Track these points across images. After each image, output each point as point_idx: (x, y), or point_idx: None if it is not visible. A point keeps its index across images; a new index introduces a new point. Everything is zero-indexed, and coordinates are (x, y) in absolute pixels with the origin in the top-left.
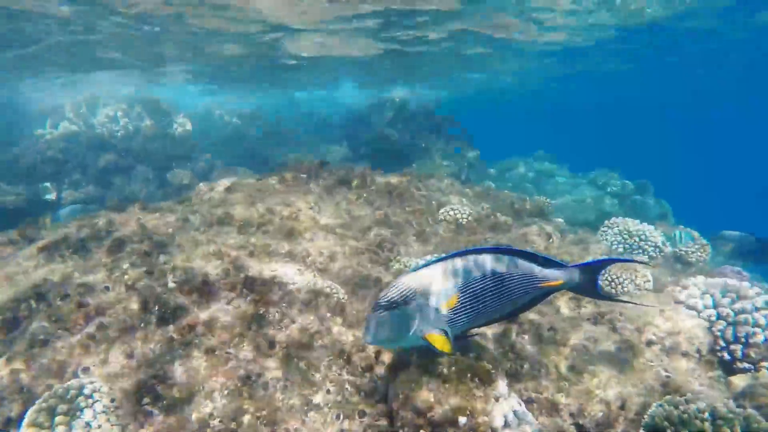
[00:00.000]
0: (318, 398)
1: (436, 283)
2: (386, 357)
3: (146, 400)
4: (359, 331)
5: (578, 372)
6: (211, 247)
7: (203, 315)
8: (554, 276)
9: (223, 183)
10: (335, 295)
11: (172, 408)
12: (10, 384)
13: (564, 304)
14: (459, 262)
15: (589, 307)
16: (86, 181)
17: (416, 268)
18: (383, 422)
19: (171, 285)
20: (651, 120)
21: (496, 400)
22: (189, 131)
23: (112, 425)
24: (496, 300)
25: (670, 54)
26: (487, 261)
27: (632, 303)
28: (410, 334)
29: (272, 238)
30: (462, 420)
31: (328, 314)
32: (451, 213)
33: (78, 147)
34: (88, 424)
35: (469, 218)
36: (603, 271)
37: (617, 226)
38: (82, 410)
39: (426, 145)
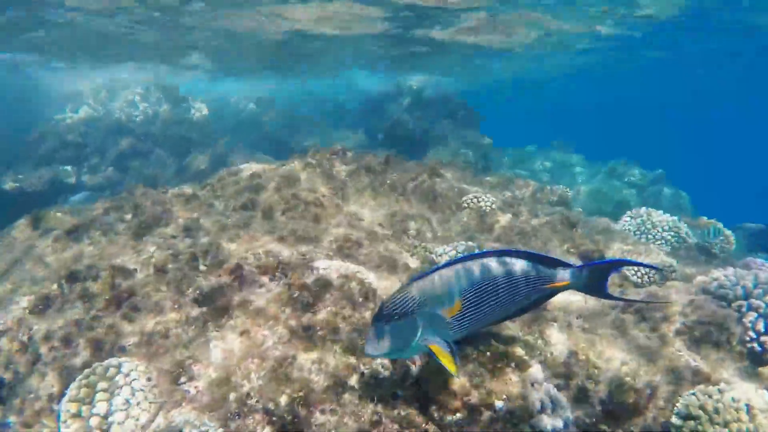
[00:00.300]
0: (353, 381)
1: (439, 290)
2: None
3: (183, 379)
4: None
5: (608, 360)
6: (239, 231)
7: (237, 298)
8: (560, 277)
9: (247, 168)
10: (366, 280)
11: (208, 387)
12: (49, 361)
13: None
14: (462, 268)
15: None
16: (105, 165)
17: (418, 276)
18: (416, 405)
19: (202, 268)
20: (670, 112)
21: (532, 385)
22: (206, 116)
23: (150, 403)
24: (500, 303)
25: (693, 46)
26: (491, 265)
27: (643, 302)
28: (413, 344)
29: (298, 223)
30: (499, 404)
31: (360, 299)
32: (475, 200)
33: (97, 131)
34: (127, 401)
35: (493, 206)
36: (613, 272)
37: (640, 217)
38: (121, 387)
39: (442, 133)
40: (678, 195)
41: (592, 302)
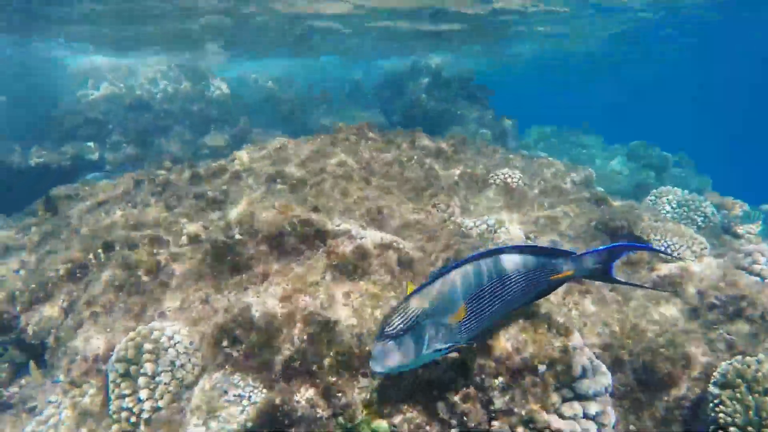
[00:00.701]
0: None
1: (441, 300)
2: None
3: (225, 343)
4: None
5: (641, 331)
6: (271, 202)
7: (276, 265)
8: (564, 267)
9: (274, 143)
10: (403, 248)
11: (251, 350)
12: (93, 324)
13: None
14: (463, 272)
15: (642, 273)
16: (126, 142)
17: (418, 289)
18: (458, 371)
19: (237, 236)
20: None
21: (574, 350)
22: (226, 94)
23: (193, 366)
24: (505, 301)
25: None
26: (493, 265)
27: (646, 287)
28: (423, 354)
29: (327, 196)
30: (541, 368)
31: (398, 267)
32: (501, 176)
33: (119, 108)
34: (172, 363)
35: (520, 182)
36: (621, 256)
37: (666, 195)
38: (166, 349)
39: (461, 113)
40: (700, 177)
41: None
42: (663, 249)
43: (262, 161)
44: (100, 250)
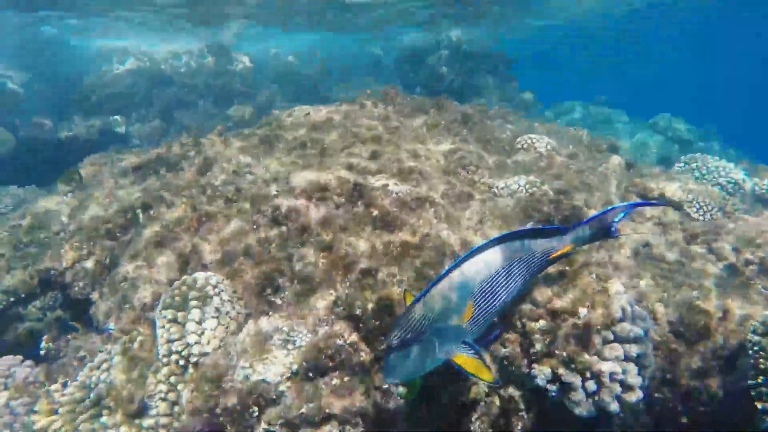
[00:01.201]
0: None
1: (446, 304)
2: None
3: (268, 291)
4: (464, 234)
5: (677, 285)
6: (304, 162)
7: (316, 217)
8: (562, 244)
9: (301, 110)
10: (438, 202)
11: (294, 298)
12: (138, 276)
13: (649, 229)
14: (464, 269)
15: (676, 232)
16: (152, 115)
17: (421, 295)
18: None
19: (274, 192)
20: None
21: (614, 295)
22: (249, 68)
23: (237, 313)
24: (511, 291)
25: None
26: (493, 257)
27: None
28: (435, 360)
29: (359, 157)
30: (582, 311)
31: (435, 220)
32: (529, 141)
33: (144, 82)
34: (217, 310)
35: (548, 147)
36: (622, 217)
37: (695, 161)
38: (211, 297)
39: (482, 87)
40: (727, 152)
41: (655, 239)
42: (660, 202)
43: (293, 126)
44: (138, 210)
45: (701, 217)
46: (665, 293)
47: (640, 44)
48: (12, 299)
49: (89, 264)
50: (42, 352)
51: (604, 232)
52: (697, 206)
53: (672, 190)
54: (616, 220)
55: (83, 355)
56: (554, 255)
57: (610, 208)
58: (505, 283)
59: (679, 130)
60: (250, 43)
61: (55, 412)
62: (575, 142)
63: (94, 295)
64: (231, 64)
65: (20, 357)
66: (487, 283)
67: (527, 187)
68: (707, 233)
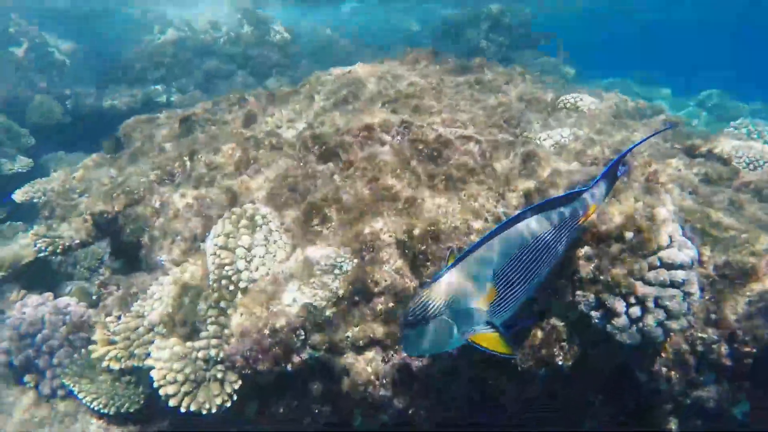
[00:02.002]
0: (478, 225)
1: (463, 285)
2: (536, 198)
3: (314, 222)
4: (507, 170)
5: (725, 228)
6: (347, 113)
7: (362, 153)
8: (585, 206)
9: (342, 69)
10: (482, 141)
11: (341, 227)
12: (189, 212)
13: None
14: (486, 249)
15: (724, 182)
16: (192, 86)
17: (438, 275)
18: None
19: (318, 132)
20: None
21: (662, 221)
22: (287, 38)
23: (285, 243)
24: (539, 269)
25: None
26: (514, 236)
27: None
28: (453, 339)
29: (402, 107)
30: (629, 235)
31: (479, 157)
32: (572, 101)
33: (184, 52)
34: (266, 238)
35: (591, 105)
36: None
37: (746, 126)
38: (260, 226)
39: (522, 61)
40: None
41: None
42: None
43: (333, 84)
44: (186, 158)
45: (750, 172)
46: (712, 237)
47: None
48: (68, 244)
49: (140, 208)
50: (94, 297)
51: (613, 180)
52: (747, 161)
53: (721, 146)
54: (621, 171)
55: (135, 291)
56: (582, 220)
57: (616, 158)
58: (530, 261)
59: (727, 107)
60: (287, 13)
61: (111, 342)
62: (619, 102)
63: (144, 238)
64: (268, 35)
65: (75, 299)
66: (510, 264)
67: (570, 138)
68: (756, 183)
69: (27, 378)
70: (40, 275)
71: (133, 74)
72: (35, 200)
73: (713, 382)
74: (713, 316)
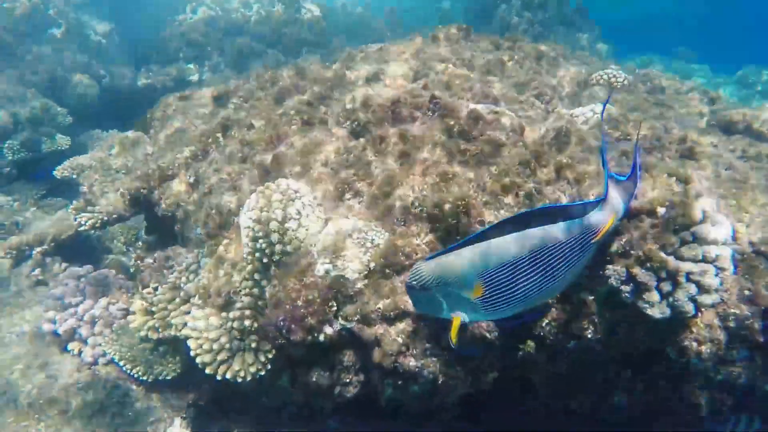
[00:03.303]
0: (509, 199)
1: (453, 272)
2: (568, 173)
3: (347, 196)
4: (538, 145)
5: (762, 205)
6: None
7: (393, 129)
8: (601, 219)
9: (373, 46)
10: (516, 118)
11: (372, 200)
12: (221, 184)
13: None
14: (478, 249)
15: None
16: (224, 64)
17: (440, 252)
18: None
19: (348, 106)
20: None
21: (695, 196)
22: (318, 17)
23: (317, 217)
24: (540, 281)
25: None
26: (508, 244)
27: None
28: (443, 312)
29: (434, 84)
30: (661, 210)
31: (511, 132)
32: (605, 77)
33: (216, 31)
34: (299, 212)
35: (625, 82)
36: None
37: None
38: (292, 200)
39: (555, 38)
40: None
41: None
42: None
43: (365, 60)
44: (219, 134)
45: None
46: (748, 214)
47: None
48: (106, 218)
49: (174, 183)
50: (131, 270)
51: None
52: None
53: (760, 119)
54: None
55: (171, 264)
56: (597, 236)
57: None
58: (527, 270)
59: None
60: None
61: (149, 312)
62: (655, 79)
63: (179, 213)
64: (299, 13)
65: (113, 270)
66: (501, 270)
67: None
68: None
69: (71, 346)
70: (80, 249)
71: (167, 54)
72: (74, 176)
73: (746, 359)
74: (747, 292)
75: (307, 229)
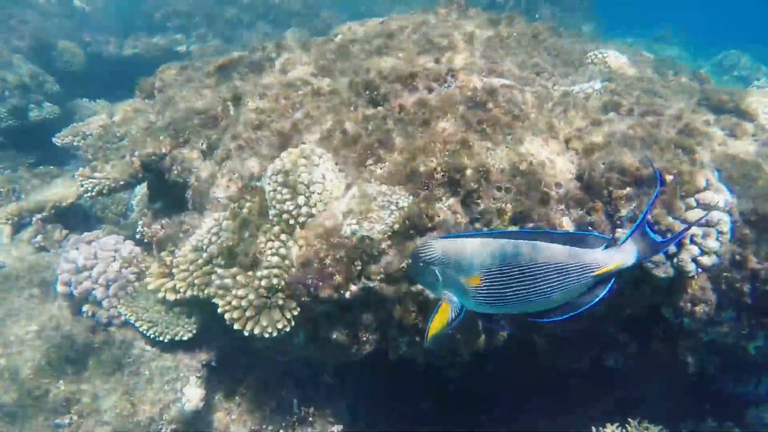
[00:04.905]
0: (524, 167)
1: (458, 256)
2: (576, 144)
3: (369, 162)
4: (549, 117)
5: (754, 179)
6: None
7: (411, 98)
8: (608, 259)
9: (374, 19)
10: (524, 90)
11: (395, 166)
12: (240, 150)
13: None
14: (488, 242)
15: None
16: (212, 35)
17: (449, 235)
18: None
19: (368, 77)
20: None
21: (700, 166)
22: None
23: (340, 181)
24: (527, 294)
25: None
26: (518, 249)
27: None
28: (437, 291)
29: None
30: (668, 177)
31: (523, 105)
32: (600, 56)
33: (204, 1)
34: (323, 176)
35: (619, 62)
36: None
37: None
38: (317, 165)
39: (540, 16)
40: None
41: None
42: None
43: (366, 34)
44: (230, 102)
45: None
46: (738, 186)
47: None
48: (113, 185)
49: (186, 150)
50: (137, 236)
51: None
52: None
53: (748, 101)
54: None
55: (187, 228)
56: (600, 271)
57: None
58: (522, 278)
59: (746, 68)
60: None
61: (166, 275)
62: (646, 59)
63: (191, 179)
64: None
65: (123, 236)
66: (503, 268)
67: (602, 90)
68: None
69: (85, 308)
70: (76, 217)
71: (155, 22)
72: (75, 143)
73: (732, 319)
74: (737, 257)
75: (331, 193)
